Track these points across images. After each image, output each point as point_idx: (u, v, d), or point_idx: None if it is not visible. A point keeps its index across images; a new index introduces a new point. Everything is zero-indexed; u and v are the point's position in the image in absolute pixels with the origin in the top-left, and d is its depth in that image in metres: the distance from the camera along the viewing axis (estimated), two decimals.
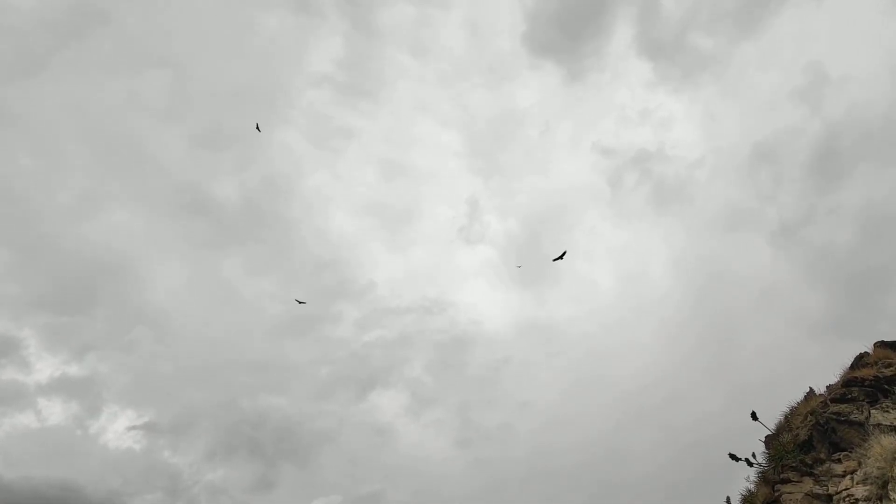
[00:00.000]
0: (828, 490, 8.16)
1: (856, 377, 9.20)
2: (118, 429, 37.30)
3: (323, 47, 51.28)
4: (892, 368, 8.70)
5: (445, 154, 53.26)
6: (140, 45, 50.07)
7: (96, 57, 50.06)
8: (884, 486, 7.19)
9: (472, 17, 51.49)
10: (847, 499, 7.77)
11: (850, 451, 8.10)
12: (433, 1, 51.05)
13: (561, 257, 19.97)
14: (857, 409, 8.52)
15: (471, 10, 51.56)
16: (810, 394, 9.72)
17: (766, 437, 9.66)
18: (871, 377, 8.73)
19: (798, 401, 9.72)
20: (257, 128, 37.39)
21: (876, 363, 9.00)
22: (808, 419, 9.17)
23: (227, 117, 51.19)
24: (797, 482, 8.50)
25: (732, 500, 9.30)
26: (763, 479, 8.99)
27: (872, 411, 8.33)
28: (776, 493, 8.61)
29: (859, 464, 7.84)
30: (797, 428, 9.26)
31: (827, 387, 9.54)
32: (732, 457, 9.32)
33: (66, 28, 48.67)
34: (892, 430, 7.82)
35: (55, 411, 37.71)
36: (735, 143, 52.89)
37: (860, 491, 7.58)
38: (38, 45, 48.23)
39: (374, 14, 51.13)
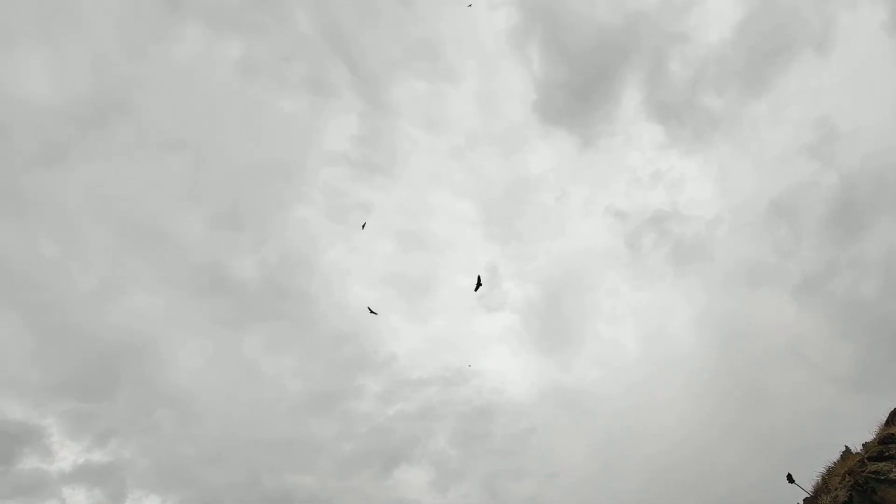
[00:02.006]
0: None
1: (892, 434, 9.18)
2: None
3: (338, 125, 53.40)
4: None
5: (462, 223, 54.18)
6: (159, 131, 52.54)
7: (116, 144, 52.44)
8: None
9: (483, 89, 53.61)
10: None
11: None
12: (444, 75, 53.37)
13: (478, 287, 20.30)
14: None
15: (481, 82, 53.75)
16: (846, 453, 9.68)
17: (804, 501, 9.56)
18: None
19: (834, 460, 9.66)
20: (363, 227, 39.23)
21: None
22: (847, 480, 9.12)
23: (245, 197, 52.90)
24: None
25: None
26: None
27: None
28: None
29: None
30: (836, 489, 9.21)
31: (863, 444, 9.51)
32: None
33: (87, 118, 51.22)
34: None
35: (79, 500, 37.38)
36: (750, 199, 53.25)
37: None
38: (60, 135, 50.75)
39: (387, 91, 53.46)
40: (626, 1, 52.68)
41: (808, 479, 9.54)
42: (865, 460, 8.87)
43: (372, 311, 29.09)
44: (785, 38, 53.36)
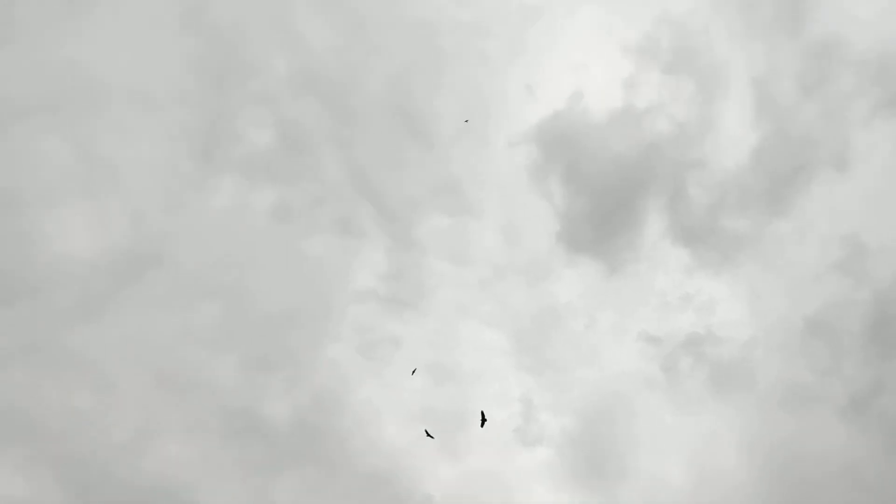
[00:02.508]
0: None
1: None
2: None
3: (366, 263, 54.70)
4: None
5: (492, 354, 54.29)
6: (193, 280, 54.15)
7: (152, 295, 54.02)
8: None
9: (507, 221, 55.03)
10: None
11: None
12: (468, 210, 54.93)
13: (483, 423, 20.86)
14: None
15: (504, 215, 55.19)
16: None
17: None
18: None
19: None
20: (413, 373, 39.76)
21: None
22: None
23: (277, 340, 53.80)
24: None
25: None
26: None
27: None
28: None
29: None
30: None
31: None
32: None
33: (124, 271, 53.05)
34: None
35: None
36: (784, 319, 53.22)
37: None
38: (97, 289, 52.49)
39: (413, 228, 55.04)
40: (641, 133, 54.50)
41: None
42: None
43: (429, 435, 29.76)
44: (801, 158, 54.68)
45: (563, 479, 49.35)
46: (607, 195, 53.79)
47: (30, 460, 43.93)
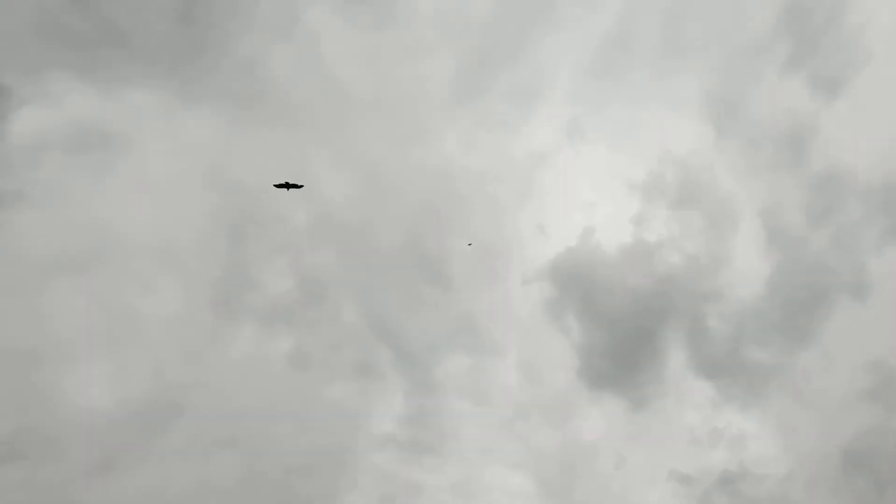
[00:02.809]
0: None
1: None
2: None
3: (384, 408, 54.25)
4: None
5: (518, 498, 52.42)
6: (212, 430, 53.61)
7: (170, 446, 53.31)
8: None
9: (526, 359, 55.07)
10: None
11: None
12: (486, 349, 54.88)
13: None
14: None
15: (523, 352, 55.43)
16: None
17: None
18: None
19: None
20: None
21: None
22: None
23: (295, 489, 52.56)
24: None
25: None
26: None
27: None
28: None
29: None
30: None
31: None
32: None
33: (143, 423, 52.74)
34: None
35: None
36: (819, 451, 52.11)
37: None
38: (117, 442, 52.20)
39: (432, 369, 55.01)
40: (654, 266, 55.00)
41: None
42: None
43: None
44: (818, 287, 55.06)
45: None
46: (625, 329, 54.11)
47: None
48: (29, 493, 49.97)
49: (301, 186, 45.12)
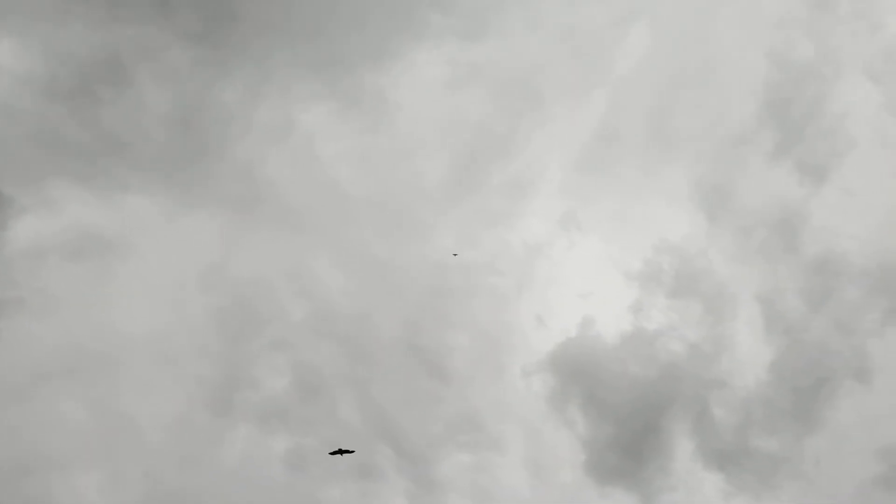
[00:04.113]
0: None
1: None
2: None
3: None
4: None
5: None
6: None
7: None
8: None
9: (530, 454, 54.30)
10: None
11: None
12: (489, 445, 54.19)
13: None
14: None
15: (526, 448, 54.87)
16: None
17: None
18: None
19: None
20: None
21: None
22: None
23: None
24: None
25: None
26: None
27: None
28: None
29: None
30: None
31: None
32: None
33: None
34: None
35: None
36: None
37: None
38: None
39: (433, 467, 54.08)
40: (656, 354, 54.92)
41: None
42: None
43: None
44: (821, 372, 54.93)
45: None
46: (630, 419, 53.67)
47: None
48: None
49: (353, 451, 49.69)
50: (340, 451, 47.93)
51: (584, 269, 56.54)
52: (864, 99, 54.47)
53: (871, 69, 55.01)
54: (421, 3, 56.65)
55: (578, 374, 56.64)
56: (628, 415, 56.08)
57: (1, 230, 52.31)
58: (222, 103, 54.18)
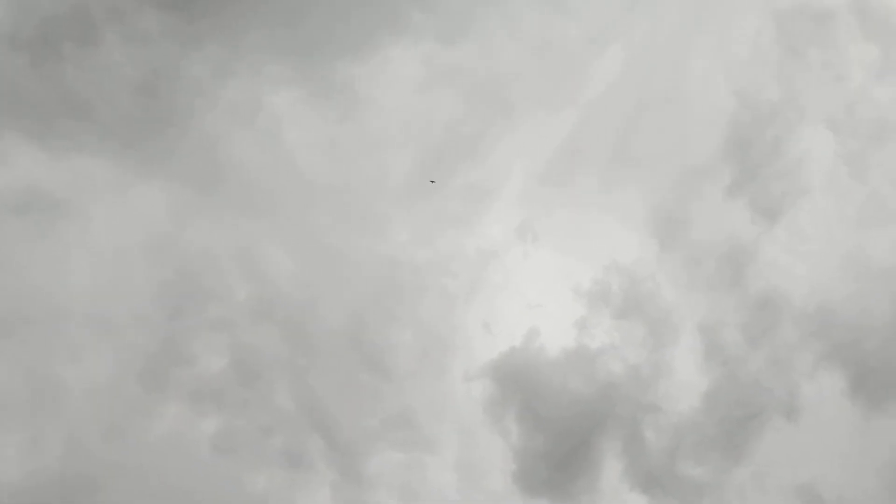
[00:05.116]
0: None
1: None
2: None
3: (311, 501, 52.48)
4: None
5: None
6: None
7: None
8: None
9: (462, 459, 54.82)
10: None
11: None
12: (422, 445, 54.55)
13: None
14: None
15: (460, 452, 55.19)
16: None
17: None
18: None
19: None
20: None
21: None
22: None
23: None
24: None
25: None
26: None
27: None
28: None
29: None
30: None
31: None
32: None
33: (54, 500, 50.58)
34: None
35: None
36: None
37: None
38: None
39: (363, 462, 54.01)
40: (596, 372, 55.86)
41: None
42: None
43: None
44: (752, 406, 56.33)
45: None
46: (564, 434, 54.49)
47: None
48: None
49: None
50: None
51: (534, 281, 57.16)
52: (822, 147, 56.08)
53: (832, 119, 56.68)
54: (403, 0, 57.01)
55: (519, 385, 57.19)
56: (562, 430, 56.79)
57: None
58: (191, 76, 53.40)
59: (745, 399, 56.93)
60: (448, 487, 59.65)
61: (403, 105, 57.34)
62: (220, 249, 55.37)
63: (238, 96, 55.20)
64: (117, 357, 54.69)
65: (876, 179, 54.51)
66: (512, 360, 57.99)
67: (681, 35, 60.74)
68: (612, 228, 57.53)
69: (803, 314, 59.16)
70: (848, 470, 53.34)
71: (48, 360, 54.39)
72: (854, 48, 57.18)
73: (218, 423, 56.07)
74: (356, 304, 56.30)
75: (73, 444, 52.51)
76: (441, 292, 58.46)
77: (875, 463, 52.69)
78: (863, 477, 50.85)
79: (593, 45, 60.02)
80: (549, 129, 58.53)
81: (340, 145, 55.83)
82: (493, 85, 58.93)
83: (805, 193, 57.91)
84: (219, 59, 56.06)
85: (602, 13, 59.96)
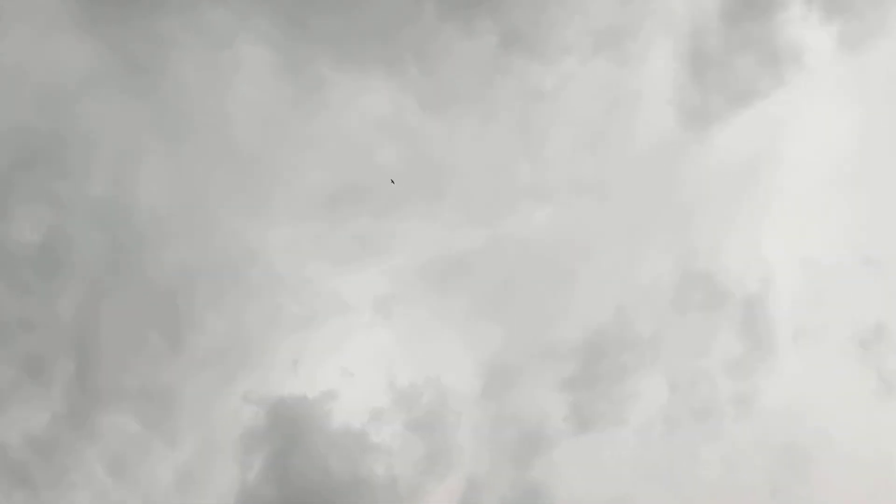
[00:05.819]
0: None
1: None
2: None
3: None
4: None
5: None
6: None
7: None
8: None
9: (190, 465, 53.27)
10: None
11: None
12: (164, 438, 52.50)
13: None
14: None
15: (192, 458, 53.70)
16: None
17: None
18: None
19: None
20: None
21: None
22: None
23: None
24: None
25: None
26: None
27: None
28: None
29: None
30: None
31: None
32: None
33: None
34: None
35: None
36: None
37: None
38: None
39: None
40: (362, 464, 55.96)
41: None
42: None
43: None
44: None
45: None
46: (294, 501, 52.44)
47: None
48: None
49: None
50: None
51: (362, 351, 56.95)
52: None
53: None
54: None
55: (287, 432, 55.75)
56: (297, 496, 55.17)
57: None
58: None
59: None
60: (163, 480, 55.69)
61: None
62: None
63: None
64: None
65: None
66: (297, 406, 56.65)
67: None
68: (454, 350, 58.36)
69: None
70: None
71: None
72: None
73: None
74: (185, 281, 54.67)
75: None
76: (280, 311, 57.59)
77: None
78: None
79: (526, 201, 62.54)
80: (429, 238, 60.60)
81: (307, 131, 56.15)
82: None
83: None
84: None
85: None
